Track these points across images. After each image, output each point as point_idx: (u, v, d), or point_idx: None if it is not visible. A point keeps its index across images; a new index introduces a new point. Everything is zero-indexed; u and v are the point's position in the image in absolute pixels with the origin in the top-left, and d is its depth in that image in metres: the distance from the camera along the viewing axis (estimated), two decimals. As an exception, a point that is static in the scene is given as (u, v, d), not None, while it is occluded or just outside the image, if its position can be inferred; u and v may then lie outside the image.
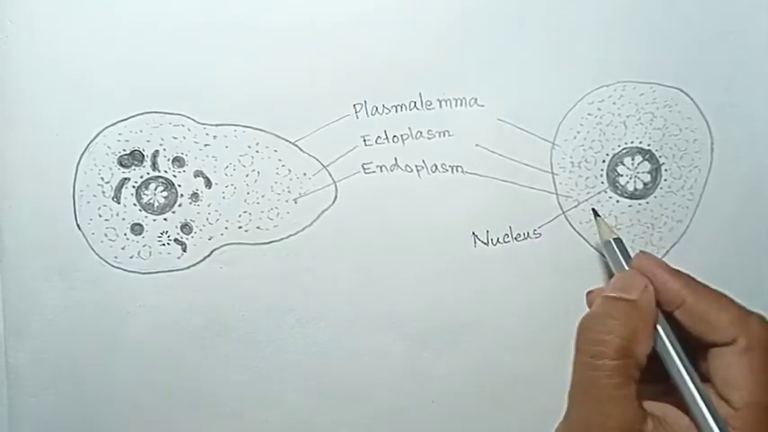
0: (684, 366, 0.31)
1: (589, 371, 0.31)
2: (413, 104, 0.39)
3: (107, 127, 0.38)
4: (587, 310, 0.38)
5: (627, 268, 0.35)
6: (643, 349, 0.31)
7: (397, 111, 0.39)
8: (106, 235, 0.38)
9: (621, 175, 0.40)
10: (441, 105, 0.39)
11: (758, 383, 0.29)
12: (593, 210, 0.39)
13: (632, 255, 0.36)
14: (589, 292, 0.37)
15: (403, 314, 0.40)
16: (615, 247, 0.36)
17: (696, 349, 0.33)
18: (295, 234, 0.39)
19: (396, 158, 0.39)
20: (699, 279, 0.34)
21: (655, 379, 0.32)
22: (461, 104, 0.39)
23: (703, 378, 0.32)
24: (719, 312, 0.31)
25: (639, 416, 0.30)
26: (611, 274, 0.38)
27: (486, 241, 0.40)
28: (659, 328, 0.32)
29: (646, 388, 0.31)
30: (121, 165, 0.38)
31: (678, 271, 0.34)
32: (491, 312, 0.40)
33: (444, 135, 0.39)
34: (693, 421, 0.30)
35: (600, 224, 0.38)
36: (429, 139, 0.39)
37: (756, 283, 0.41)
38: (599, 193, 0.40)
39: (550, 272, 0.40)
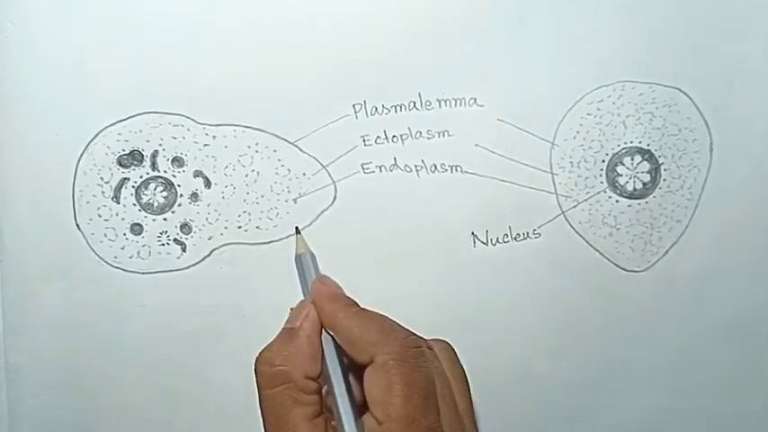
0: (336, 385, 0.32)
1: (263, 402, 0.32)
2: (412, 104, 0.39)
3: (106, 127, 0.38)
4: (586, 309, 0.39)
5: (308, 288, 0.36)
6: (300, 373, 0.31)
7: (396, 111, 0.39)
8: (106, 235, 0.38)
9: (621, 175, 0.40)
10: (440, 105, 0.39)
11: (394, 395, 0.29)
12: (296, 227, 0.39)
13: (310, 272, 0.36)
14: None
15: (403, 314, 0.40)
16: (302, 263, 0.36)
17: (358, 373, 0.33)
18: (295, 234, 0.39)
19: (395, 158, 0.39)
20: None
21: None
22: (461, 104, 0.39)
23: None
24: (362, 332, 0.31)
25: None
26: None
27: (485, 241, 0.40)
28: (325, 351, 0.33)
29: None
30: (121, 165, 0.38)
31: (343, 295, 0.34)
32: (491, 312, 0.40)
33: (444, 135, 0.40)
34: None
35: (298, 240, 0.38)
36: (428, 139, 0.39)
37: (756, 283, 0.41)
38: (598, 192, 0.40)
39: (550, 272, 0.40)
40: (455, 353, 0.33)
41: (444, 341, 0.33)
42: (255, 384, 0.32)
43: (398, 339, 0.31)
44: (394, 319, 0.32)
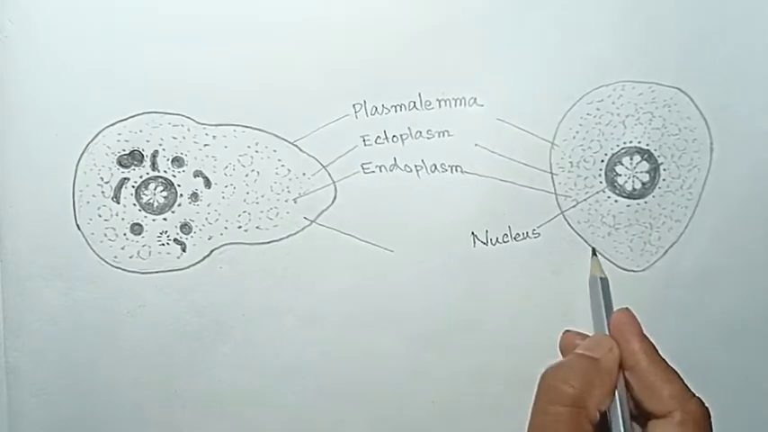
0: (624, 425, 0.33)
1: (542, 415, 0.33)
2: (412, 104, 0.39)
3: (106, 127, 0.38)
4: (586, 309, 0.39)
5: (604, 314, 0.37)
6: (595, 404, 0.32)
7: (396, 111, 0.39)
8: (106, 235, 0.38)
9: (620, 175, 0.40)
10: (440, 105, 0.39)
11: None
12: (593, 248, 0.40)
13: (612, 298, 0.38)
14: (566, 332, 0.39)
15: (403, 314, 0.40)
16: (599, 288, 0.38)
17: (639, 418, 0.34)
18: (295, 234, 0.39)
19: (395, 158, 0.39)
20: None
21: None
22: (461, 104, 0.39)
23: None
24: (664, 384, 0.33)
25: None
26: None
27: (485, 241, 0.40)
28: (618, 391, 0.34)
29: None
30: (121, 165, 0.38)
31: (645, 336, 0.35)
32: (490, 312, 0.40)
33: (444, 135, 0.40)
34: None
35: (594, 262, 0.39)
36: (428, 139, 0.39)
37: (756, 283, 0.41)
38: (597, 192, 0.40)
39: (549, 272, 0.40)
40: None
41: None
42: (536, 395, 0.33)
43: (700, 404, 0.32)
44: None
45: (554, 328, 0.37)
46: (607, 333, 0.36)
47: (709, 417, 0.32)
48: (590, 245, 0.40)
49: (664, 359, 0.34)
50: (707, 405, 0.33)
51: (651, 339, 0.35)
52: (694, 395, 0.33)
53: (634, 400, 0.34)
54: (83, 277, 0.38)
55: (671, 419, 0.32)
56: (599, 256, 0.40)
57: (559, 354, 0.39)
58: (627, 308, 0.37)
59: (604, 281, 0.38)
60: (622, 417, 0.33)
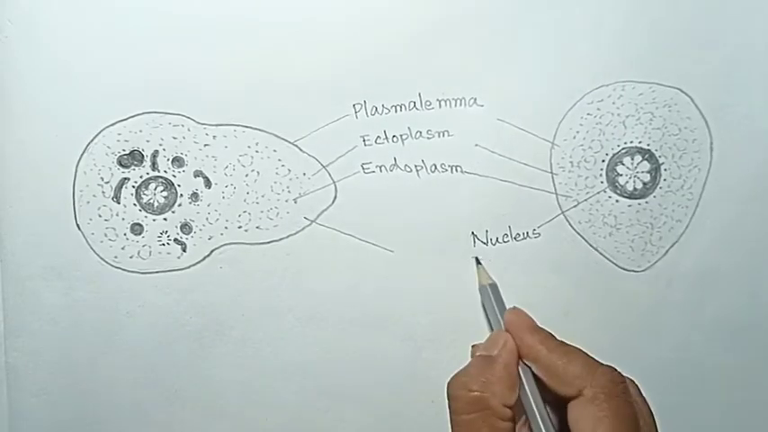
0: (540, 416, 0.33)
1: (455, 426, 0.33)
2: (412, 104, 0.39)
3: (107, 127, 0.38)
4: (586, 309, 0.39)
5: (498, 317, 0.37)
6: (499, 400, 0.32)
7: (396, 111, 0.39)
8: (106, 235, 0.38)
9: (621, 175, 0.40)
10: (440, 105, 0.39)
11: (604, 428, 0.30)
12: (476, 258, 0.39)
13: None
14: (473, 346, 0.39)
15: (403, 314, 0.40)
16: (489, 294, 0.38)
17: (559, 406, 0.34)
18: (295, 234, 0.39)
19: (395, 158, 0.39)
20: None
21: None
22: (461, 104, 0.39)
23: None
24: (567, 366, 0.32)
25: None
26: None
27: (485, 241, 0.40)
28: (524, 381, 0.34)
29: None
30: (121, 165, 0.38)
31: (540, 328, 0.35)
32: (491, 312, 0.40)
33: (444, 135, 0.40)
34: None
35: (479, 270, 0.39)
36: (428, 139, 0.39)
37: (756, 283, 0.41)
38: (598, 192, 0.40)
39: (550, 272, 0.40)
40: (640, 390, 0.34)
41: (630, 378, 0.34)
42: (448, 407, 0.33)
43: (606, 374, 0.32)
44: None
45: (554, 329, 0.37)
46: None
47: (623, 381, 0.32)
48: (477, 259, 0.39)
49: (563, 342, 0.34)
50: (618, 371, 0.32)
51: (546, 329, 0.35)
52: (601, 365, 0.32)
53: (547, 391, 0.33)
54: (83, 277, 0.38)
55: (583, 398, 0.31)
56: (598, 254, 0.40)
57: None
58: (515, 306, 0.37)
59: (493, 286, 0.38)
60: (536, 406, 0.33)
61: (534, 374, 0.34)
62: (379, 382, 0.40)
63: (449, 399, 0.33)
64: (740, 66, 0.40)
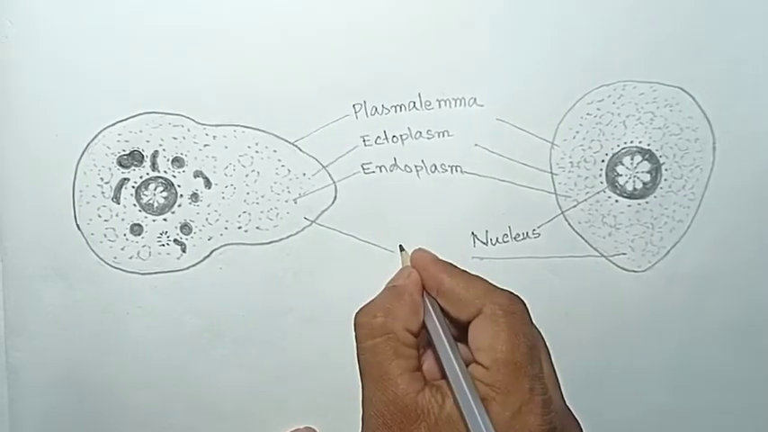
0: (446, 339, 0.33)
1: (362, 354, 0.33)
2: (412, 105, 0.39)
3: (107, 127, 0.38)
4: (586, 309, 0.38)
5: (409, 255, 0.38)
6: (402, 325, 0.33)
7: (396, 111, 0.39)
8: (105, 235, 0.38)
9: (621, 175, 0.40)
10: (440, 105, 0.39)
11: (501, 341, 0.31)
12: (400, 245, 0.39)
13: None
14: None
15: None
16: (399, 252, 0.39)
17: (463, 338, 0.34)
18: (295, 234, 0.39)
19: (395, 158, 0.39)
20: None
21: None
22: (460, 104, 0.39)
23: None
24: (467, 289, 0.33)
25: (413, 387, 0.31)
26: None
27: (485, 241, 0.40)
28: (429, 307, 0.34)
29: None
30: (121, 165, 0.38)
31: (443, 261, 0.37)
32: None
33: (443, 135, 0.39)
34: (449, 385, 0.32)
35: (404, 256, 0.39)
36: (428, 139, 0.39)
37: (758, 284, 0.41)
38: (598, 192, 0.40)
39: (549, 272, 0.40)
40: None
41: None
42: (354, 338, 0.34)
43: (504, 294, 0.33)
44: None
45: (554, 328, 0.37)
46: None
47: (522, 303, 0.33)
48: (401, 246, 0.40)
49: (465, 271, 0.35)
50: (519, 295, 0.33)
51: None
52: (503, 291, 0.33)
53: (451, 319, 0.34)
54: (83, 277, 0.38)
55: (482, 315, 0.32)
56: (598, 254, 0.40)
57: (554, 350, 0.39)
58: (420, 247, 0.38)
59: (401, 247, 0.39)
60: (441, 328, 0.33)
61: (440, 306, 0.34)
62: (378, 382, 0.40)
63: (355, 328, 0.34)
64: (743, 64, 0.40)
